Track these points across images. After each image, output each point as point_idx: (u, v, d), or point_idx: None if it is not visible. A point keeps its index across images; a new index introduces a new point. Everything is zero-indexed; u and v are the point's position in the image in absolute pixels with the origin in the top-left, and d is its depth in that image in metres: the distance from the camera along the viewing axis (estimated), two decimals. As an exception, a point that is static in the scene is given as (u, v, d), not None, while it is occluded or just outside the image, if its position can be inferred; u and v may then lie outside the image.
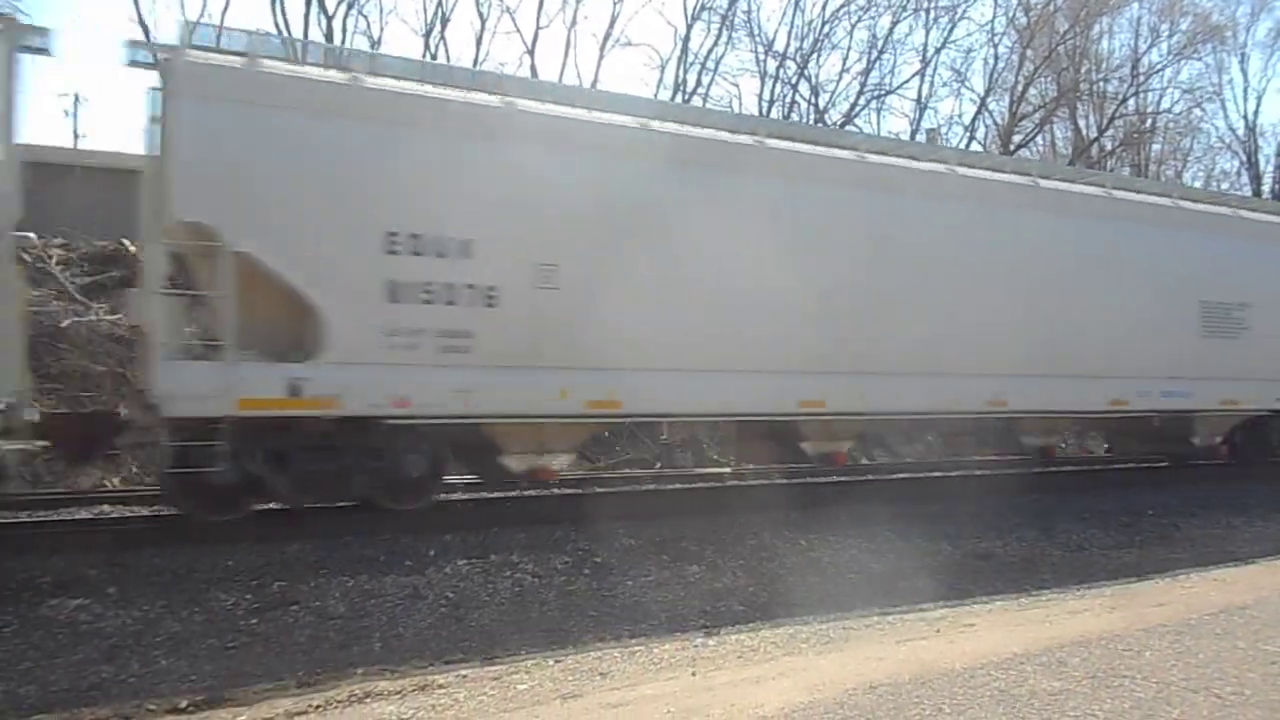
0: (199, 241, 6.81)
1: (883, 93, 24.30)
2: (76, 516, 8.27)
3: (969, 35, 37.28)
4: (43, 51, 6.56)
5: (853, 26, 23.60)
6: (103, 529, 7.37)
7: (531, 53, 20.98)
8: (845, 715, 3.87)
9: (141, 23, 18.79)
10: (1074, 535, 9.19)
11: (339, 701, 4.46)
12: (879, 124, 25.32)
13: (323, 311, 6.94)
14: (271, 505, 8.79)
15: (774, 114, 22.03)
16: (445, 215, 7.36)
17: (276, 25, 18.07)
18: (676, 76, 22.11)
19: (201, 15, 18.30)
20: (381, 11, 32.09)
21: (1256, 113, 44.33)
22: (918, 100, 24.74)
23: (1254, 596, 6.39)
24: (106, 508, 8.68)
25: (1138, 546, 9.05)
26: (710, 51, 22.35)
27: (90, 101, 48.56)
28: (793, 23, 26.36)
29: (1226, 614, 5.76)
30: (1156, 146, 29.23)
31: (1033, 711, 3.89)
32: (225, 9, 19.39)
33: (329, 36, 18.42)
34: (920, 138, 22.61)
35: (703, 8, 21.98)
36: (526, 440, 7.95)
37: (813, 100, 23.21)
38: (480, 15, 21.57)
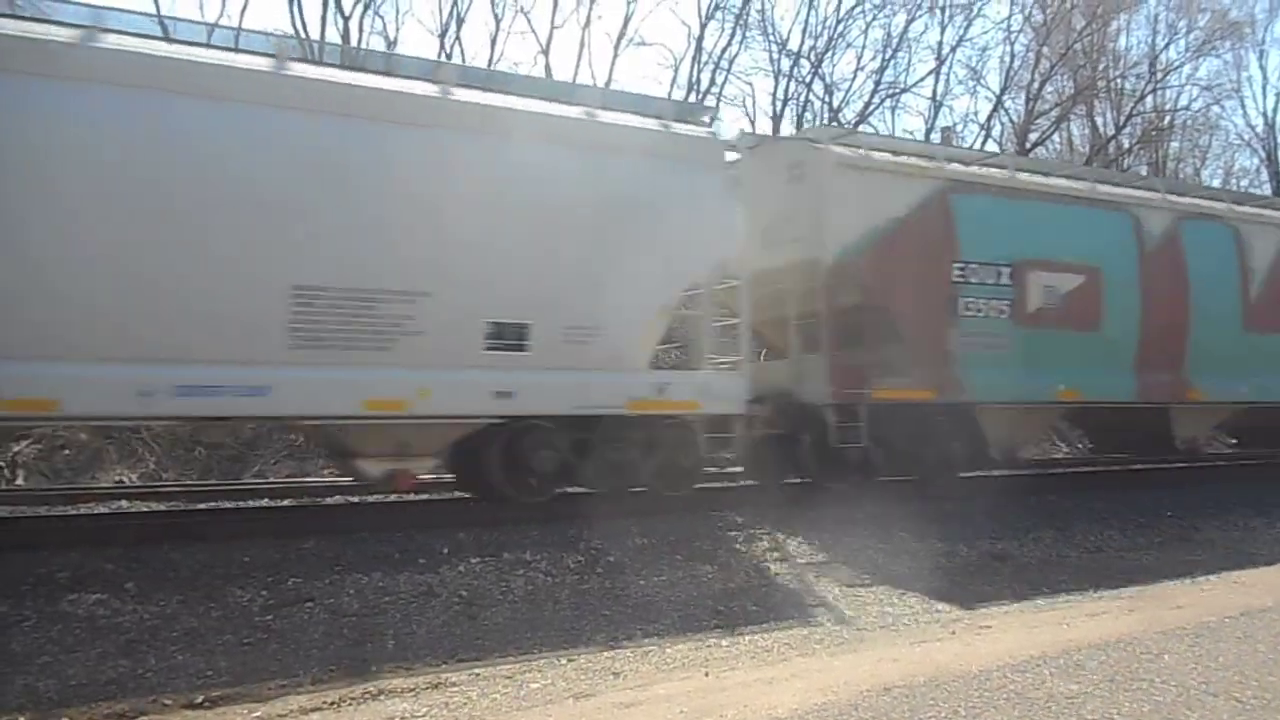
0: None
1: (897, 91, 24.19)
2: (95, 511, 8.36)
3: (985, 33, 36.81)
4: None
5: (867, 25, 23.52)
6: (120, 524, 7.44)
7: (546, 53, 21.00)
8: (860, 717, 3.86)
9: (160, 23, 18.88)
10: (1091, 536, 9.11)
11: (353, 699, 4.48)
12: (894, 123, 25.23)
13: None
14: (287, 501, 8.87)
15: (788, 113, 21.97)
16: None
17: (294, 26, 18.17)
18: (690, 76, 22.09)
19: (220, 16, 18.40)
20: (398, 12, 32.25)
21: (1276, 109, 43.81)
22: (933, 99, 24.61)
23: (1274, 599, 6.33)
24: (124, 503, 8.77)
25: (1156, 548, 8.97)
26: (724, 51, 22.31)
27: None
28: (807, 21, 26.45)
29: (1247, 617, 5.70)
30: (1175, 144, 28.98)
31: (1049, 715, 3.86)
32: (244, 9, 19.59)
33: (345, 37, 18.50)
34: (935, 136, 22.47)
35: (716, 7, 21.94)
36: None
37: (827, 99, 23.14)
38: (495, 16, 21.81)
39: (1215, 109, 28.52)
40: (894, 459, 9.44)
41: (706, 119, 9.07)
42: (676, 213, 7.98)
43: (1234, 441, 15.64)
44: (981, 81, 31.05)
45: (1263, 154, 30.00)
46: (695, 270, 8.31)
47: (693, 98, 20.97)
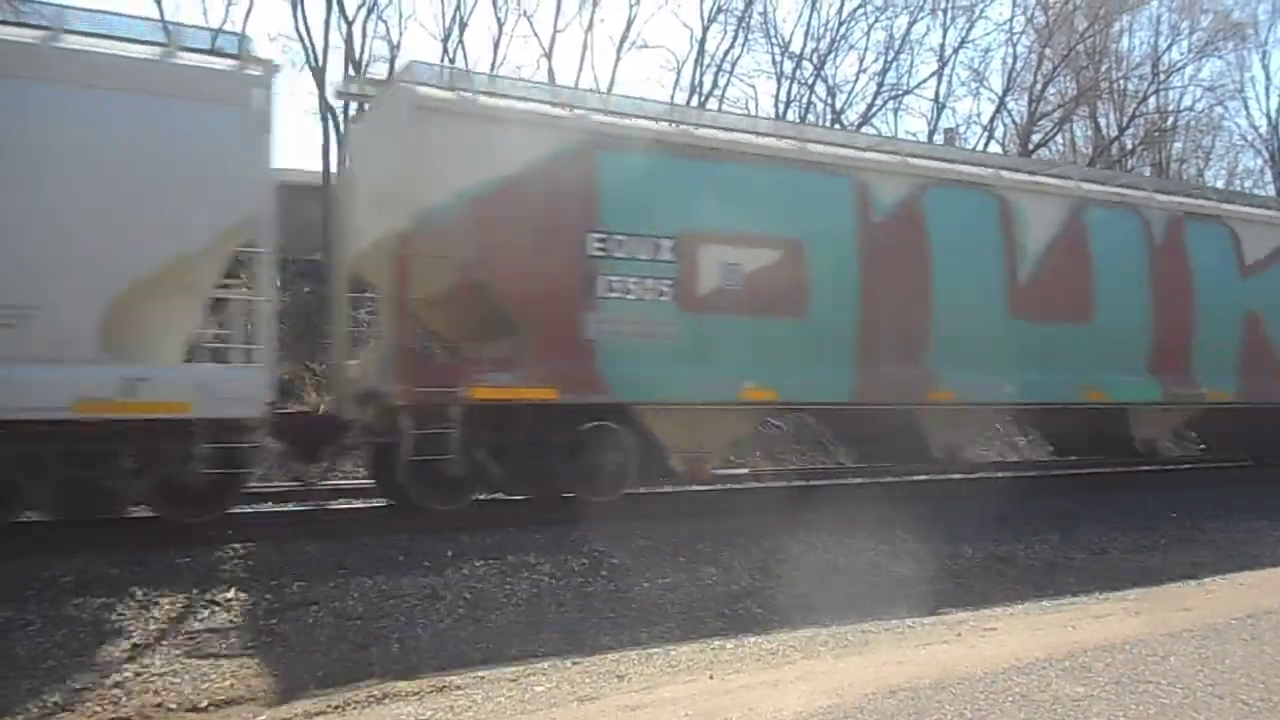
0: None
1: (900, 93, 24.12)
2: (98, 516, 8.35)
3: (987, 35, 37.12)
4: None
5: (869, 27, 23.49)
6: (125, 529, 7.43)
7: (549, 56, 21.05)
8: None
9: (165, 28, 18.93)
10: (1095, 538, 9.10)
11: (357, 702, 4.48)
12: (896, 124, 25.21)
13: None
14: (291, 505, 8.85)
15: (790, 115, 21.92)
16: None
17: (298, 30, 18.23)
18: (693, 79, 22.08)
19: (224, 21, 18.44)
20: (401, 16, 32.31)
21: (1279, 110, 43.82)
22: (935, 100, 24.54)
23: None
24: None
25: (1160, 550, 8.95)
26: (726, 53, 22.30)
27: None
28: (809, 24, 26.20)
29: (1253, 618, 5.67)
30: (1178, 145, 28.93)
31: (1055, 717, 3.85)
32: (248, 14, 19.66)
33: (348, 41, 18.53)
34: (938, 138, 22.47)
35: (719, 10, 21.93)
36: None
37: (829, 101, 23.13)
38: (498, 19, 21.76)
39: (1218, 110, 28.51)
40: (520, 473, 7.76)
41: (241, 51, 7.13)
42: (163, 162, 6.36)
43: (1051, 449, 13.77)
44: (984, 83, 30.96)
45: (1266, 155, 29.97)
46: (191, 234, 6.48)
47: (695, 100, 20.96)
